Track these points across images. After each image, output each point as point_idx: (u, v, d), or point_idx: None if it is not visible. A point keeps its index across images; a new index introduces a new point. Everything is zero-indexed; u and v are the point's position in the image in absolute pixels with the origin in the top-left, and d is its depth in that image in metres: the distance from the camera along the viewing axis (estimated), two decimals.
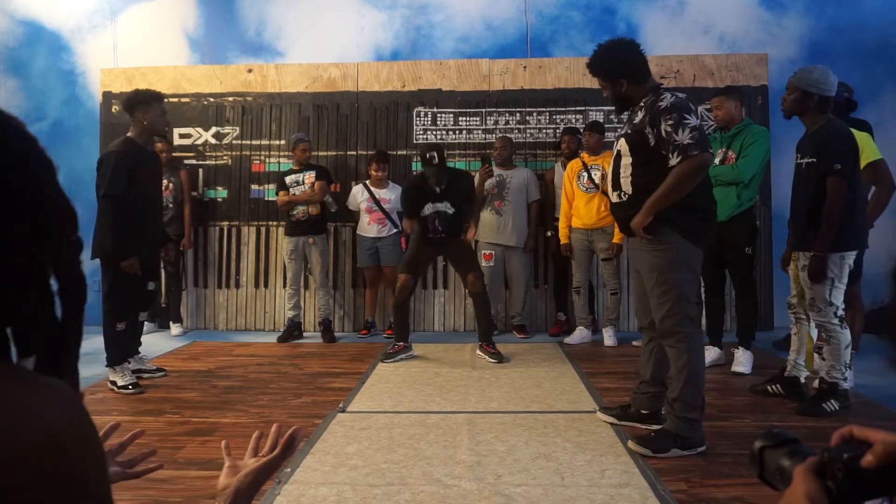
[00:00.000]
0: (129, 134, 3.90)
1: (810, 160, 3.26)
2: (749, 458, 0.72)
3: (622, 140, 2.93)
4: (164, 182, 5.53)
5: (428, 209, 4.53)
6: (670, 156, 2.74)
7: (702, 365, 2.87)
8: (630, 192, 2.88)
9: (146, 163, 3.93)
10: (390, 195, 5.52)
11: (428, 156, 4.40)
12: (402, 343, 4.63)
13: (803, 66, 3.49)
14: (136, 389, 3.81)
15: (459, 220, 4.60)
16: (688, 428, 2.77)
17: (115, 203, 3.74)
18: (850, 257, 3.25)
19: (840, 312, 3.24)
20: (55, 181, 0.65)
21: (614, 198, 2.99)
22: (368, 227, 5.50)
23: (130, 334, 4.03)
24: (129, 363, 3.99)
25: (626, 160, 2.89)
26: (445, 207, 4.52)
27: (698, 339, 2.90)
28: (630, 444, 2.82)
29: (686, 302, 2.84)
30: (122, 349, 3.91)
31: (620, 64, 2.95)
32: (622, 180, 2.92)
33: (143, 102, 3.86)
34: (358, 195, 5.55)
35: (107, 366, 3.89)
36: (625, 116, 3.08)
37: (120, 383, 3.82)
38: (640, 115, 2.87)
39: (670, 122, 2.74)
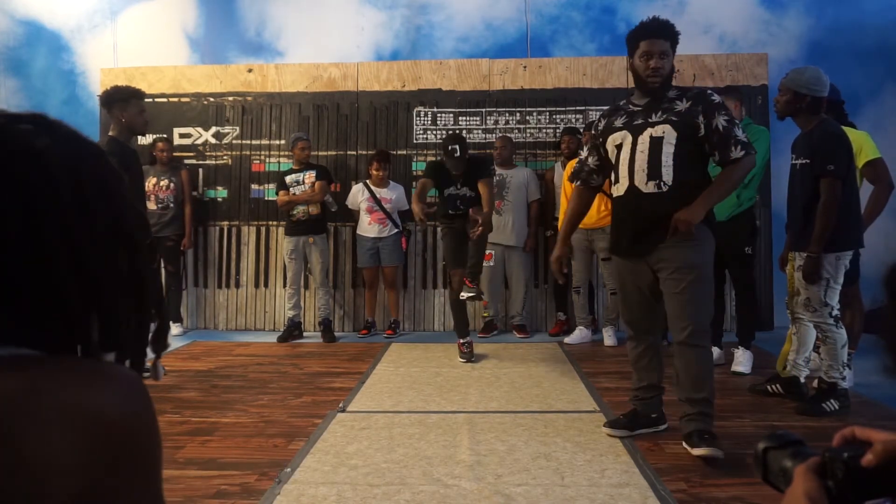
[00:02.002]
0: (110, 133, 3.80)
1: (804, 161, 3.27)
2: (753, 460, 0.72)
3: (666, 126, 2.75)
4: (165, 182, 5.54)
5: (449, 191, 4.54)
6: (732, 149, 2.71)
7: None
8: (670, 182, 2.73)
9: (130, 163, 3.83)
10: (391, 195, 5.52)
11: (450, 148, 4.38)
12: (468, 339, 4.62)
13: (804, 65, 3.50)
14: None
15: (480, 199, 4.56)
16: (713, 425, 2.82)
17: None
18: (846, 258, 3.25)
19: (835, 313, 3.25)
20: (125, 189, 0.70)
21: (649, 187, 2.76)
22: (369, 227, 5.50)
23: None
24: None
25: (670, 148, 2.74)
26: (466, 192, 4.51)
27: None
28: (700, 451, 2.67)
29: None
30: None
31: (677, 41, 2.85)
32: (664, 169, 2.74)
33: (121, 100, 3.76)
34: (358, 195, 5.55)
35: None
36: (636, 105, 2.88)
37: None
38: (683, 103, 2.77)
39: (726, 118, 2.73)
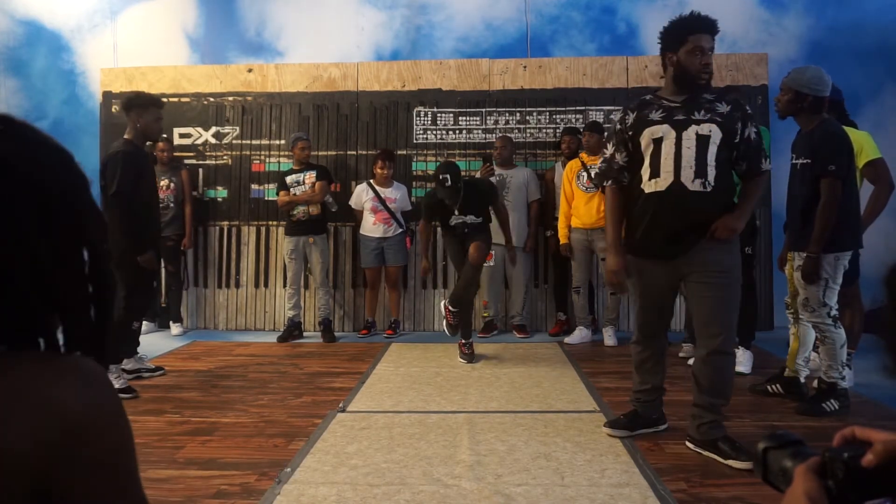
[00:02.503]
0: (126, 136, 3.88)
1: (805, 161, 3.26)
2: (753, 459, 0.72)
3: (712, 126, 2.69)
4: (166, 182, 5.54)
5: (453, 220, 4.50)
6: (762, 161, 2.76)
7: None
8: (713, 183, 2.67)
9: (144, 165, 3.92)
10: (395, 194, 5.51)
11: (441, 178, 4.29)
12: (469, 340, 4.63)
13: (803, 65, 3.49)
14: (131, 395, 3.66)
15: (486, 223, 4.58)
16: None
17: (124, 201, 3.71)
18: (845, 258, 3.25)
19: (834, 313, 3.25)
20: (89, 193, 0.72)
21: (696, 185, 2.67)
22: (374, 227, 5.49)
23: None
24: (122, 363, 3.98)
25: (714, 148, 2.68)
26: (471, 219, 4.48)
27: None
28: (743, 465, 2.61)
29: None
30: (120, 349, 3.87)
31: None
32: (709, 168, 2.67)
33: (139, 106, 3.84)
34: (362, 194, 5.55)
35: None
36: (672, 101, 2.76)
37: (115, 386, 3.76)
38: (724, 106, 2.73)
39: (755, 130, 2.75)
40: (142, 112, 3.84)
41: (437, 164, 5.67)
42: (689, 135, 2.69)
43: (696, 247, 2.71)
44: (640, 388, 3.04)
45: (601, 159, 3.01)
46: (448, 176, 4.27)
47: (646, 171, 2.76)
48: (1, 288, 0.62)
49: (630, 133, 2.82)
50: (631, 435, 2.97)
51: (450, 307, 4.48)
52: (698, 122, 2.69)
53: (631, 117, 2.83)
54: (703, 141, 2.67)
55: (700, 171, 2.66)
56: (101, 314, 0.70)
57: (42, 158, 0.67)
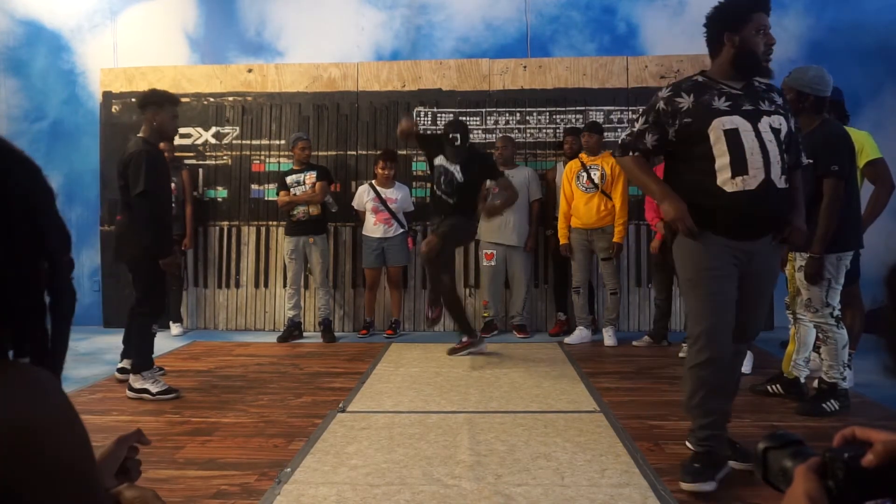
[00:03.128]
0: (140, 134, 3.80)
1: (807, 161, 3.26)
2: (753, 460, 0.72)
3: (781, 118, 2.46)
4: None
5: (438, 161, 4.44)
6: (803, 155, 2.60)
7: None
8: (785, 178, 2.44)
9: (164, 165, 3.87)
10: (397, 194, 5.51)
11: (451, 136, 4.29)
12: (466, 339, 4.64)
13: (805, 65, 3.49)
14: (175, 394, 3.68)
15: (468, 196, 4.46)
16: None
17: (151, 201, 3.64)
18: (847, 258, 3.26)
19: (837, 313, 3.25)
20: (53, 206, 0.72)
21: (782, 183, 2.41)
22: (374, 227, 5.49)
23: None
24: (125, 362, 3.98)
25: (783, 142, 2.44)
26: (455, 170, 4.41)
27: None
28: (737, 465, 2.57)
29: None
30: (150, 353, 3.79)
31: None
32: (783, 164, 2.43)
33: (154, 103, 3.77)
34: (364, 195, 5.55)
35: (134, 373, 3.71)
36: (732, 87, 2.47)
37: (154, 391, 3.66)
38: (776, 97, 2.52)
39: (795, 122, 2.60)
40: (158, 110, 3.76)
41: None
42: (765, 128, 2.41)
43: (764, 243, 2.49)
44: (707, 422, 2.50)
45: (626, 131, 2.66)
46: (458, 136, 4.27)
47: (724, 168, 2.39)
48: None
49: (686, 120, 2.44)
50: (715, 485, 2.43)
51: (430, 308, 4.59)
52: (768, 114, 2.44)
53: (687, 101, 2.46)
54: (777, 134, 2.42)
55: (783, 168, 2.41)
56: (57, 324, 0.70)
57: (6, 169, 0.67)
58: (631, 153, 2.59)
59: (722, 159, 2.40)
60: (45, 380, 0.64)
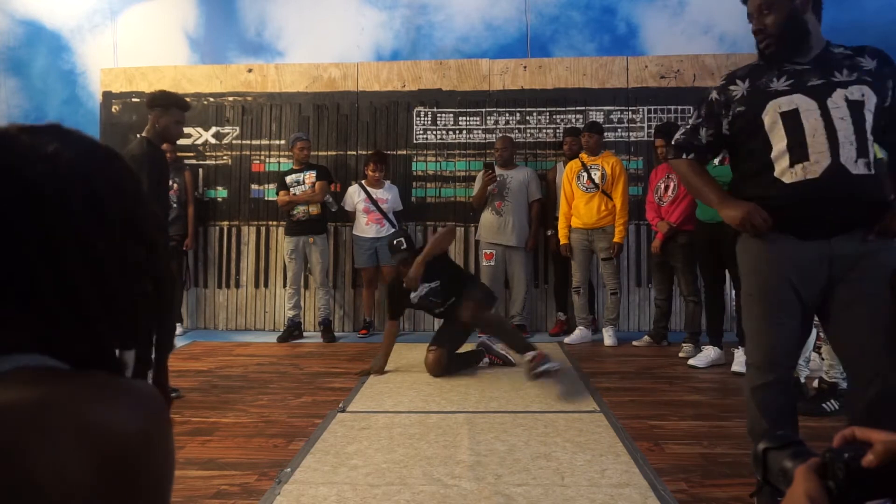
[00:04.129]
0: (143, 133, 3.76)
1: None
2: (752, 460, 0.72)
3: (864, 88, 2.04)
4: (168, 182, 5.52)
5: (413, 298, 4.29)
6: None
7: None
8: (874, 161, 2.02)
9: (165, 167, 3.85)
10: (387, 195, 5.52)
11: (395, 242, 4.19)
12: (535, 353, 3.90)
13: None
14: (175, 394, 3.68)
15: (451, 288, 4.26)
16: None
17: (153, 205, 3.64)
18: None
19: None
20: (142, 192, 0.70)
21: (860, 167, 1.98)
22: (367, 227, 5.50)
23: None
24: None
25: (870, 116, 2.03)
26: (432, 284, 4.25)
27: None
28: None
29: None
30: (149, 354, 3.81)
31: None
32: (869, 144, 2.02)
33: (161, 105, 3.73)
34: (354, 195, 5.55)
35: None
36: (799, 62, 2.15)
37: None
38: (869, 61, 2.10)
39: None
40: (163, 112, 3.71)
41: (437, 164, 5.71)
42: (838, 102, 2.03)
43: (853, 240, 2.01)
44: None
45: (679, 131, 2.37)
46: (402, 240, 4.17)
47: (781, 156, 2.06)
48: (57, 287, 0.60)
49: (739, 109, 2.18)
50: None
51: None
52: (845, 85, 2.05)
53: (741, 88, 2.20)
54: (856, 108, 2.02)
55: (862, 149, 2.00)
56: (158, 314, 0.68)
57: (89, 154, 0.66)
58: (685, 155, 2.30)
59: (779, 146, 2.07)
60: (151, 395, 0.62)
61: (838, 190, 1.98)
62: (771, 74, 2.15)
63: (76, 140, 0.66)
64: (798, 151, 2.02)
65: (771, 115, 2.09)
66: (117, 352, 0.65)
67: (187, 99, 5.94)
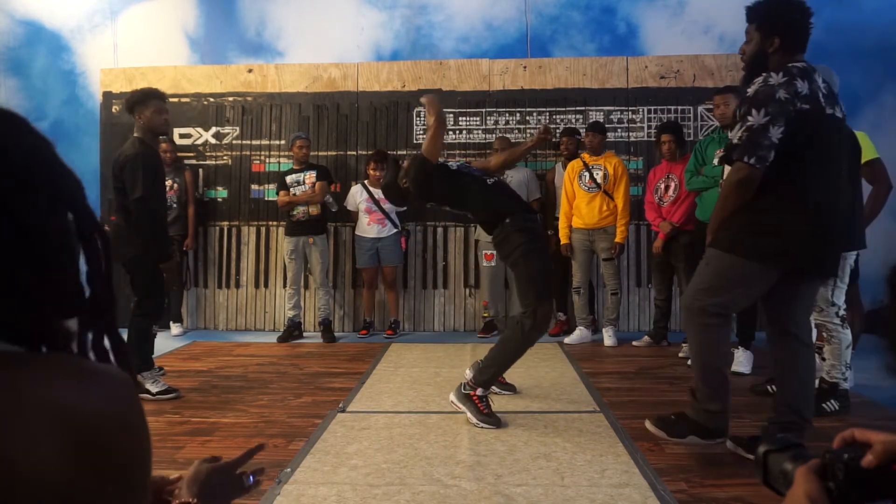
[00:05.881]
0: (135, 134, 3.76)
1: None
2: (753, 462, 0.73)
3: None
4: (169, 182, 5.52)
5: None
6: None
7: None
8: None
9: (160, 166, 3.85)
10: None
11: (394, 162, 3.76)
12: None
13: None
14: (175, 394, 3.69)
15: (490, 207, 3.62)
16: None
17: (148, 205, 3.62)
18: (851, 257, 3.27)
19: (842, 312, 3.25)
20: (56, 154, 0.69)
21: None
22: (368, 227, 5.50)
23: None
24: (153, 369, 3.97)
25: None
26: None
27: None
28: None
29: None
30: (150, 354, 3.79)
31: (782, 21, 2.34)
32: None
33: (138, 102, 3.73)
34: (357, 195, 5.56)
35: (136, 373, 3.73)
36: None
37: (154, 391, 3.67)
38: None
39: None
40: (143, 107, 3.71)
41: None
42: None
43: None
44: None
45: (736, 134, 2.27)
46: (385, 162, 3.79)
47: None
48: (7, 276, 0.59)
49: (803, 106, 2.17)
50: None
51: (477, 393, 3.18)
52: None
53: (804, 86, 2.23)
54: None
55: None
56: (96, 272, 0.67)
57: (6, 126, 0.65)
58: (747, 159, 2.20)
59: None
60: (122, 378, 0.62)
61: None
62: (816, 82, 2.23)
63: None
64: None
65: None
66: (61, 321, 0.64)
67: (187, 99, 6.01)
